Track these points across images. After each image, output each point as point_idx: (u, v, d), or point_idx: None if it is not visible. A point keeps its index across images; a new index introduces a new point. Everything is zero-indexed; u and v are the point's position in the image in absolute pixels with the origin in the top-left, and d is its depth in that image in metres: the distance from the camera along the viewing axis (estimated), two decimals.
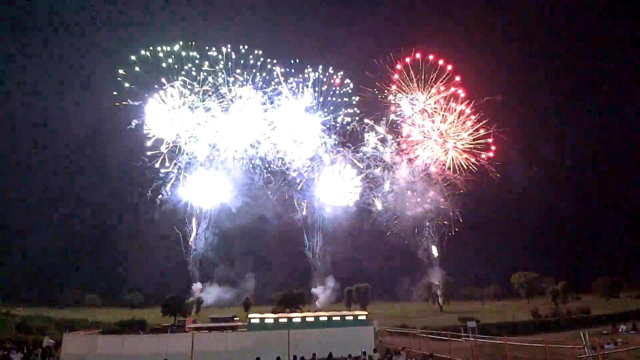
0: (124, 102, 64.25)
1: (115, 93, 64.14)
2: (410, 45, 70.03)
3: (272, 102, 68.18)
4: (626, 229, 73.99)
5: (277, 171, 69.10)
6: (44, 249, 72.04)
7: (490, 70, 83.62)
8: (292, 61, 68.98)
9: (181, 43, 66.62)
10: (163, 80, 65.25)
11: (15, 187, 72.78)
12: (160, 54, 65.98)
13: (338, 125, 69.95)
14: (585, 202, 79.44)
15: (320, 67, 69.25)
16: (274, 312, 55.89)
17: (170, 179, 66.24)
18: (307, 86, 68.30)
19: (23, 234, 71.64)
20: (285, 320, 38.43)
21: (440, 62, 67.87)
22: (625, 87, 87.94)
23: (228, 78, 67.07)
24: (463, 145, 68.52)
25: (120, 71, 64.80)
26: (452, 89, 68.74)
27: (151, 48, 65.73)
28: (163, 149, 65.24)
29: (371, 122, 70.21)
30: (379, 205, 70.24)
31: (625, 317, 47.91)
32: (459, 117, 68.77)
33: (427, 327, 37.89)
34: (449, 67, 68.13)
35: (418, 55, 68.18)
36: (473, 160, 67.92)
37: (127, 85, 64.46)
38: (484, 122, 67.34)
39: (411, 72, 68.95)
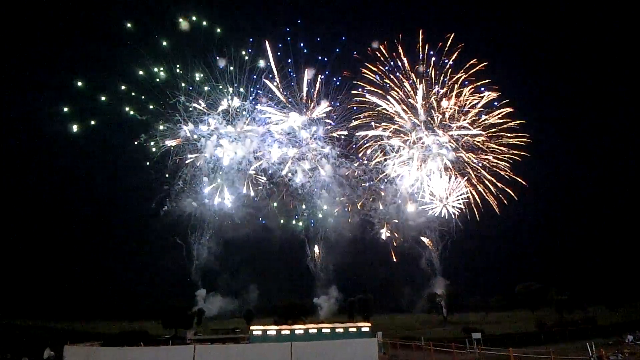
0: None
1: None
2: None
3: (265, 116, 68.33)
4: (632, 238, 73.34)
5: (279, 182, 69.42)
6: (44, 260, 72.00)
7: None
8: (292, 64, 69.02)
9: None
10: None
11: (15, 196, 72.88)
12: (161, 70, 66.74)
13: (342, 136, 70.12)
14: (591, 211, 78.96)
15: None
16: (276, 323, 55.49)
17: (174, 190, 66.86)
18: (312, 97, 68.57)
19: (23, 244, 71.62)
20: (287, 332, 38.17)
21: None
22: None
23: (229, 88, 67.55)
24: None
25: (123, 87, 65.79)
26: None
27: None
28: (169, 162, 66.11)
29: (376, 133, 70.24)
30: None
31: (632, 327, 47.26)
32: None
33: (432, 338, 37.52)
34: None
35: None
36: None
37: None
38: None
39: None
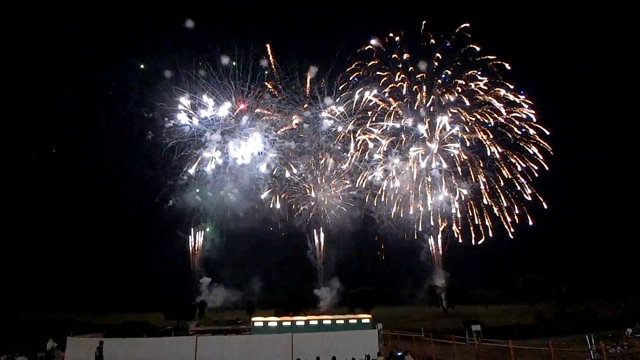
0: None
1: None
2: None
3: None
4: (633, 231, 73.15)
5: (281, 176, 69.59)
6: (47, 252, 72.36)
7: None
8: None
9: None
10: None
11: (17, 189, 73.06)
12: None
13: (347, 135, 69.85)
14: (591, 203, 78.67)
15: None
16: (277, 315, 55.77)
17: (178, 185, 67.15)
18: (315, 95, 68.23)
19: (25, 237, 71.96)
20: (288, 323, 38.41)
21: None
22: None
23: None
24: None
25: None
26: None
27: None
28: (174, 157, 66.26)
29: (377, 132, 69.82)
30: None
31: (631, 320, 47.41)
32: None
33: (432, 330, 37.69)
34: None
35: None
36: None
37: None
38: None
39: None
